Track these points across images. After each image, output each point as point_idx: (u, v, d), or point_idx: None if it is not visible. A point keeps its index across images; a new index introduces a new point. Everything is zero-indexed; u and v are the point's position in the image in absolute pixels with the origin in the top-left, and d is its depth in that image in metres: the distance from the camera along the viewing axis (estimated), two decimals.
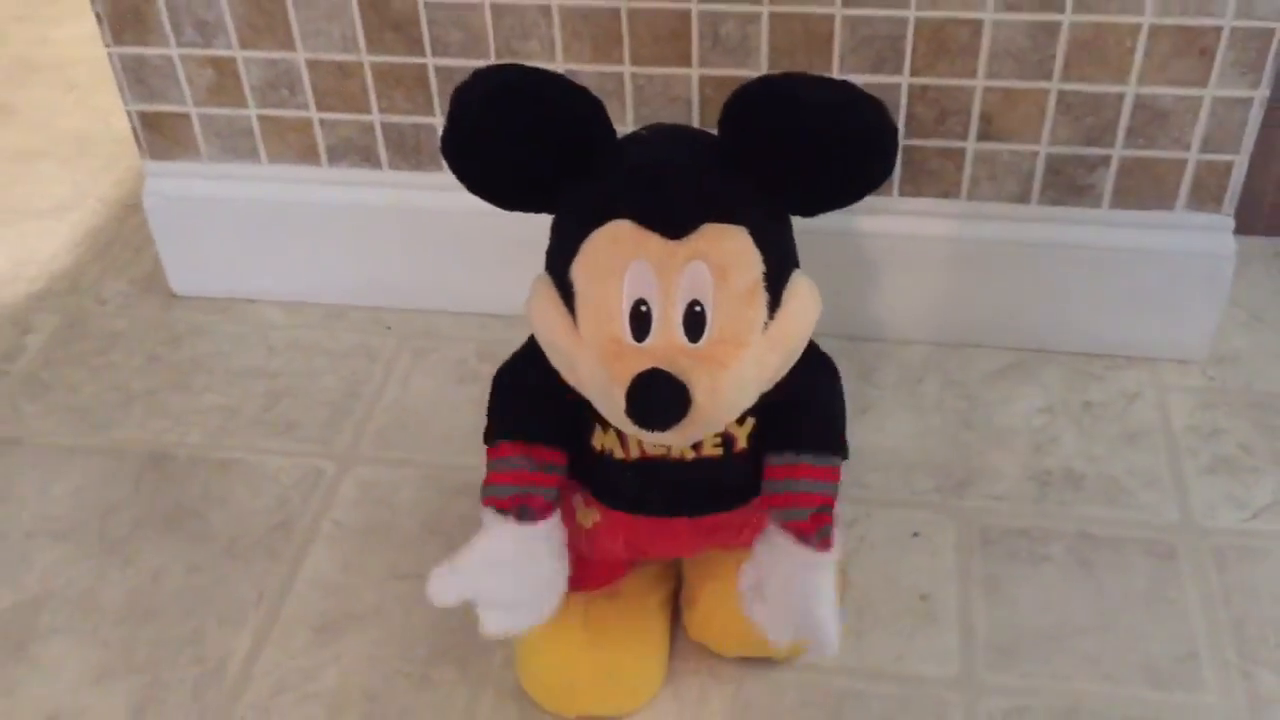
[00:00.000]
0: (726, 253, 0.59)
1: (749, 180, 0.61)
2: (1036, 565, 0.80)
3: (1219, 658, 0.74)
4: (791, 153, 0.60)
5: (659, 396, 0.57)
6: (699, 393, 0.58)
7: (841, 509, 0.83)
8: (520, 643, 0.73)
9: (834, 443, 0.67)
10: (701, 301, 0.59)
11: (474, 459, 0.88)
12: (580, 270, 0.60)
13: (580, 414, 0.65)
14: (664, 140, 0.65)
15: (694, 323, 0.59)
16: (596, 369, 0.59)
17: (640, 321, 0.59)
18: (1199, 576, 0.79)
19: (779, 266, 0.61)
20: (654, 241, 0.59)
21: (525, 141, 0.61)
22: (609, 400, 0.59)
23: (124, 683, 0.75)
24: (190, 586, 0.81)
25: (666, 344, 0.59)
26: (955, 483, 0.86)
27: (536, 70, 0.61)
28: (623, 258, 0.59)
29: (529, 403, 0.66)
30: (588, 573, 0.71)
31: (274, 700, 0.74)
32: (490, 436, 0.68)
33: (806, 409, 0.66)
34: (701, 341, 0.59)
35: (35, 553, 0.84)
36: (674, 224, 0.59)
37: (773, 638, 0.66)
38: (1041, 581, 0.79)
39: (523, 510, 0.65)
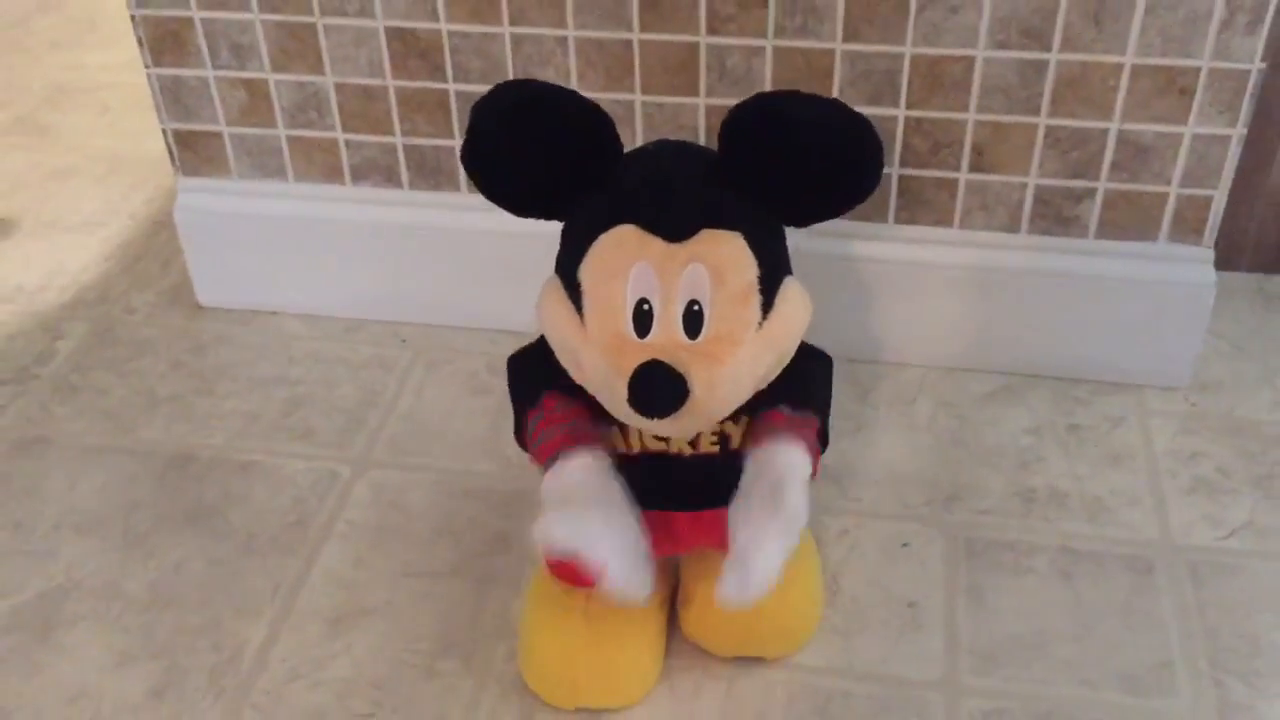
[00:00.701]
0: (723, 256, 0.63)
1: (745, 191, 0.65)
2: (1019, 576, 0.83)
3: (1192, 667, 0.77)
4: (783, 166, 0.64)
5: (659, 386, 0.61)
6: (696, 385, 0.61)
7: (832, 522, 0.87)
8: (523, 637, 0.76)
9: (811, 401, 0.69)
10: (699, 301, 0.63)
11: (483, 465, 0.93)
12: (587, 271, 0.64)
13: None
14: (667, 154, 0.69)
15: (692, 321, 0.63)
16: (600, 363, 0.63)
17: (642, 319, 0.63)
18: (1175, 590, 0.82)
19: (772, 271, 0.65)
20: (656, 245, 0.63)
21: (539, 153, 0.65)
22: (612, 392, 0.63)
23: (144, 667, 0.78)
24: (209, 579, 0.84)
25: (666, 340, 0.63)
26: (944, 497, 0.89)
27: (550, 86, 0.66)
28: (627, 260, 0.63)
29: (548, 370, 0.69)
30: None
31: (287, 687, 0.77)
32: (523, 408, 0.70)
33: (789, 380, 0.69)
34: (699, 338, 0.63)
35: (62, 545, 0.87)
36: (674, 229, 0.63)
37: (755, 575, 0.63)
38: (1024, 592, 0.82)
39: (575, 429, 0.66)
